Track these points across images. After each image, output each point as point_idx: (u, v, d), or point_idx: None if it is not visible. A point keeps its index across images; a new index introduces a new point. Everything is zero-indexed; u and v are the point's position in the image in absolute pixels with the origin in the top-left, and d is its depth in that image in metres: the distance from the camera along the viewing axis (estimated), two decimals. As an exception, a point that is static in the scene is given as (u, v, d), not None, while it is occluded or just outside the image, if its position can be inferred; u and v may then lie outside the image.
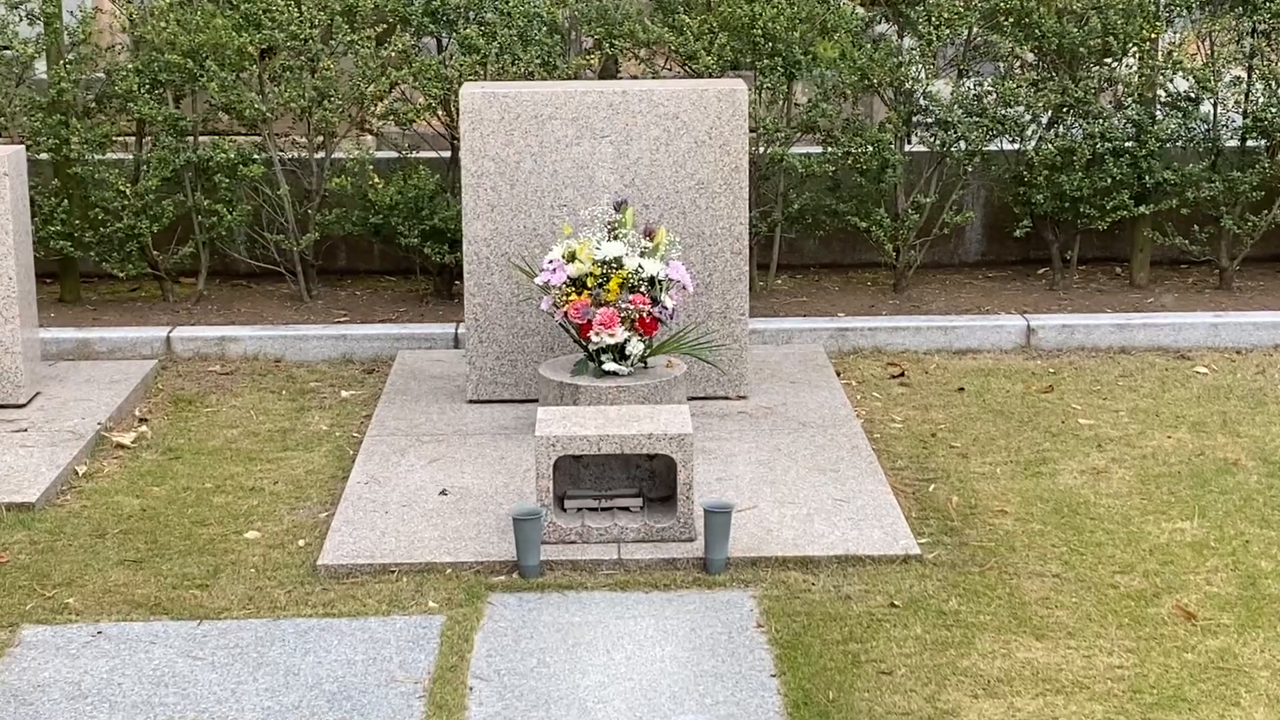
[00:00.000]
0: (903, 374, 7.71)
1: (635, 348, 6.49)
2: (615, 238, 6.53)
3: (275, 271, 8.83)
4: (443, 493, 6.10)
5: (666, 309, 6.50)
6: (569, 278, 6.49)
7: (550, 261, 6.55)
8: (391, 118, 8.58)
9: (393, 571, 5.49)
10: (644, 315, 6.46)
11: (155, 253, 8.65)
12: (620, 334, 6.45)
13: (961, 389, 7.47)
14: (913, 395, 7.41)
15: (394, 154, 8.81)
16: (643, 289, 6.47)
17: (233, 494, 6.29)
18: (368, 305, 8.73)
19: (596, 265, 6.45)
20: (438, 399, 7.19)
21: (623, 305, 6.43)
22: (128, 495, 6.28)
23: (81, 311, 8.61)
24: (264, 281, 9.05)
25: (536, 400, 6.90)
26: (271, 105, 8.44)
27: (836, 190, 8.79)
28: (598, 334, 6.45)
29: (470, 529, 5.76)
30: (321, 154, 8.70)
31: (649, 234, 6.58)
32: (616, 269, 6.46)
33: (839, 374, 7.58)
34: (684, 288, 6.58)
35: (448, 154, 8.82)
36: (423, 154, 8.87)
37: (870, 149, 8.49)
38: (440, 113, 8.61)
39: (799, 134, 8.60)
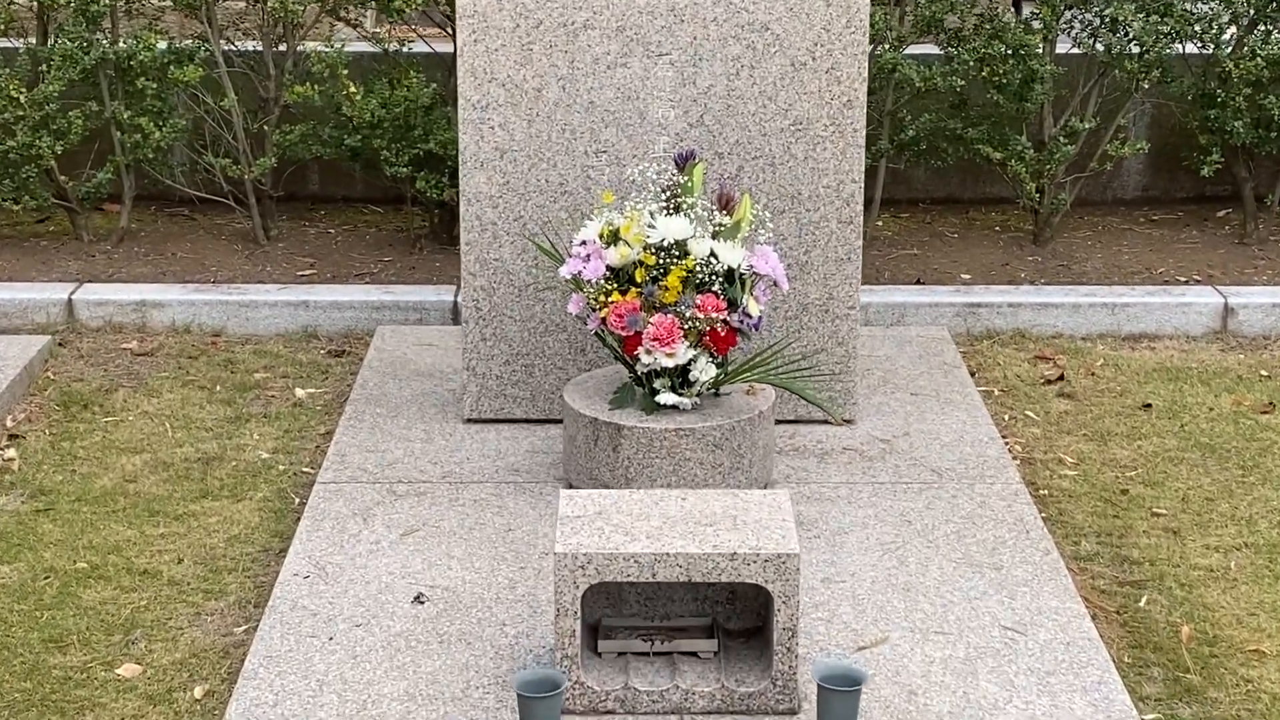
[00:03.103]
0: (1061, 376, 5.64)
1: (704, 372, 4.46)
2: (677, 209, 4.47)
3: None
4: (418, 599, 4.11)
5: (750, 317, 4.45)
6: (609, 268, 4.44)
7: (583, 243, 4.49)
8: (373, 4, 6.46)
9: (330, 764, 3.53)
10: (717, 326, 4.41)
11: (63, 178, 6.57)
12: (683, 352, 4.41)
13: (1148, 405, 5.41)
14: (1081, 414, 5.35)
15: (375, 48, 6.69)
16: (716, 287, 4.41)
17: (114, 580, 4.31)
18: (342, 250, 6.67)
19: (649, 252, 4.40)
20: (424, 413, 5.17)
21: (687, 311, 4.38)
22: (-38, 581, 4.31)
23: (-32, 253, 6.59)
24: (210, 211, 6.97)
25: (559, 421, 4.89)
26: (213, -14, 6.34)
27: (962, 109, 6.65)
28: (650, 352, 4.41)
29: (454, 676, 3.77)
30: (283, 48, 6.60)
31: (726, 204, 4.51)
32: (679, 258, 4.40)
33: (973, 372, 5.55)
34: (775, 284, 4.53)
35: (449, 49, 6.71)
36: (415, 48, 6.76)
37: (1011, 56, 6.34)
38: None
39: (916, 35, 6.45)
